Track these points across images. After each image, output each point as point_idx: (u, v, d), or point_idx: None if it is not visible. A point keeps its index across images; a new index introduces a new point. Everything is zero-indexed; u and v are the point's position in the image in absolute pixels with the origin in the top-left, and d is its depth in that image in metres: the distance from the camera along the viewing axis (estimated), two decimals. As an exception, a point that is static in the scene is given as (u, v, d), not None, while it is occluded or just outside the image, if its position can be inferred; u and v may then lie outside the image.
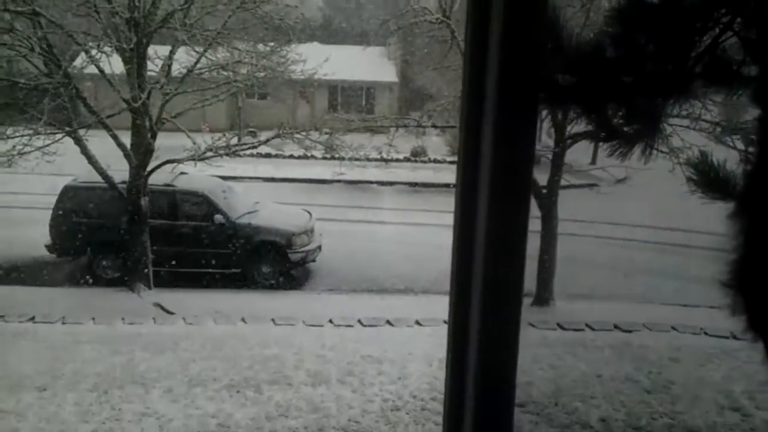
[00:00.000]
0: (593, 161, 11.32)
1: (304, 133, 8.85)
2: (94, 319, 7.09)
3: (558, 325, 7.04)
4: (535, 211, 8.69)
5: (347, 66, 14.18)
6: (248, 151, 10.11)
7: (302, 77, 9.66)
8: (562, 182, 8.65)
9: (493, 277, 1.44)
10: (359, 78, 17.15)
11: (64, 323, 6.97)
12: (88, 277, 8.72)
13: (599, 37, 2.36)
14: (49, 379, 5.53)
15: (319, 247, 9.30)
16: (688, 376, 5.80)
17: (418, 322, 7.04)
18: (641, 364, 6.14)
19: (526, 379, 5.63)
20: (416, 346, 6.28)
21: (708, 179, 2.46)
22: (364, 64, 15.83)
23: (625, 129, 2.56)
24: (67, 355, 6.06)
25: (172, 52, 8.21)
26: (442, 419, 1.59)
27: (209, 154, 8.62)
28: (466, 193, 1.47)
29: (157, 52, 8.39)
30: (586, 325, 6.88)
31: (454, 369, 1.57)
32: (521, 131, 1.38)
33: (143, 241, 8.43)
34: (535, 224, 8.72)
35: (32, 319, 6.97)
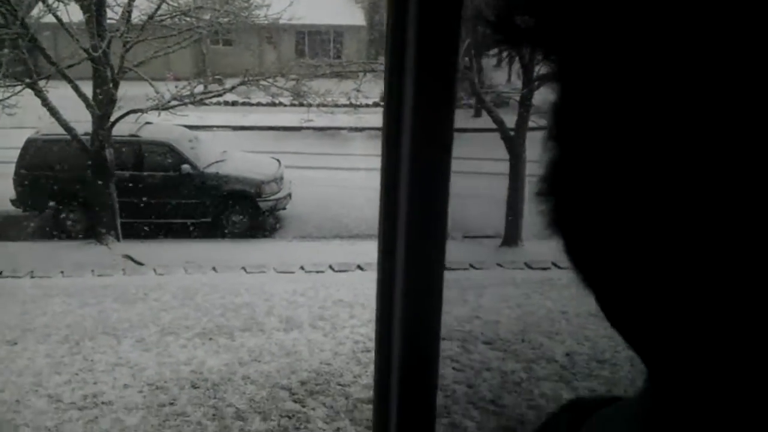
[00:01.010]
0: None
1: (270, 80, 8.73)
2: (62, 272, 7.06)
3: (525, 264, 7.16)
4: (504, 153, 8.73)
5: (314, 10, 13.92)
6: (214, 100, 9.99)
7: (266, 22, 9.48)
8: (531, 124, 8.68)
9: (417, 218, 1.47)
10: (326, 22, 16.85)
11: (32, 277, 6.93)
12: (55, 230, 8.63)
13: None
14: (19, 333, 5.53)
15: (289, 195, 9.28)
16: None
17: (388, 266, 7.10)
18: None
19: (494, 317, 5.75)
20: (387, 290, 6.35)
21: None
22: (332, 8, 15.55)
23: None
24: (37, 308, 6.04)
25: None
26: (374, 365, 1.63)
27: (174, 102, 8.50)
28: (390, 136, 1.49)
29: (116, -1, 8.18)
30: (553, 263, 6.99)
31: (382, 313, 1.61)
32: (441, 74, 1.38)
33: (110, 193, 8.34)
34: (503, 167, 8.78)
35: (0, 273, 6.91)
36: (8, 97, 7.56)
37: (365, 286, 6.58)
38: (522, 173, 8.51)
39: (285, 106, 13.03)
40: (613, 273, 0.36)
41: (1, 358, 5.07)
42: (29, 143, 8.74)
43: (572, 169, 0.35)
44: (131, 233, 8.50)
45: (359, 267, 7.09)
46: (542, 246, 8.30)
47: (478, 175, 10.83)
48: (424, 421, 1.58)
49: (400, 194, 1.51)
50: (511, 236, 8.61)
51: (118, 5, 8.18)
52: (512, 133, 8.52)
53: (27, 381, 4.80)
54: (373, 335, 5.45)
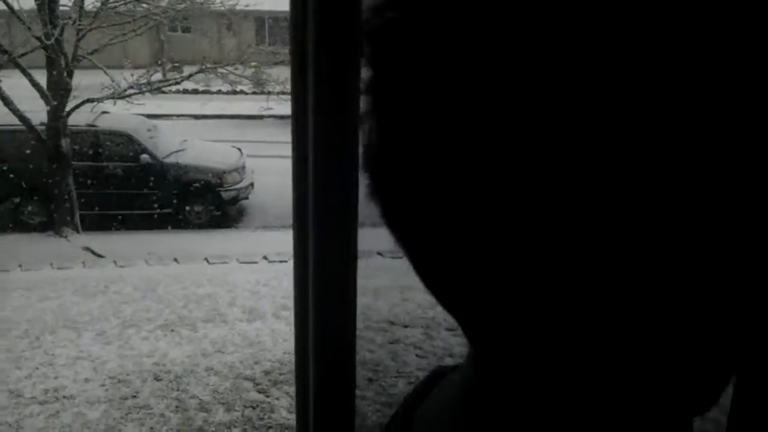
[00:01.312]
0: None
1: (229, 68, 8.65)
2: (21, 265, 6.93)
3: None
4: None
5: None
6: (173, 88, 9.85)
7: (223, 8, 9.38)
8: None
9: (326, 208, 1.51)
10: (287, 9, 16.73)
11: (-10, 271, 6.81)
12: (12, 223, 8.47)
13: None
14: (-23, 329, 5.44)
15: (251, 184, 9.23)
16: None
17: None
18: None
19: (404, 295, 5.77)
20: (350, 278, 6.37)
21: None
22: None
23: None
24: (-5, 303, 5.95)
25: (85, -15, 7.86)
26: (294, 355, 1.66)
27: (131, 91, 8.38)
28: (298, 125, 1.53)
29: (69, -15, 8.02)
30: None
31: (300, 305, 1.65)
32: (342, 65, 1.42)
33: (68, 184, 8.20)
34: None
35: (-45, 268, 6.78)
36: (-42, 88, 7.38)
37: (328, 275, 6.60)
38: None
39: (246, 94, 12.93)
40: (429, 244, 0.38)
41: (-41, 355, 4.99)
42: (-18, 134, 8.55)
43: (387, 144, 0.37)
44: (91, 225, 8.38)
45: (322, 255, 7.08)
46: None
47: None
48: (343, 400, 1.62)
49: (309, 184, 1.55)
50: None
51: (72, -8, 8.03)
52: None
53: (-14, 377, 4.73)
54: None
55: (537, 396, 0.39)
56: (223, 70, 8.65)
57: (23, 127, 8.07)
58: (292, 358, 5.14)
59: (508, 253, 0.34)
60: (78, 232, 8.16)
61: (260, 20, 17.61)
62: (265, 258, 6.99)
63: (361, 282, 5.36)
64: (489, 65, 0.32)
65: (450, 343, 5.19)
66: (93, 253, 7.51)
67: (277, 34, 17.93)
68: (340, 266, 1.59)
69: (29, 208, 8.59)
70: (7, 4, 7.60)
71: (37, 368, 4.87)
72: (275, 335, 5.23)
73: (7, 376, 4.73)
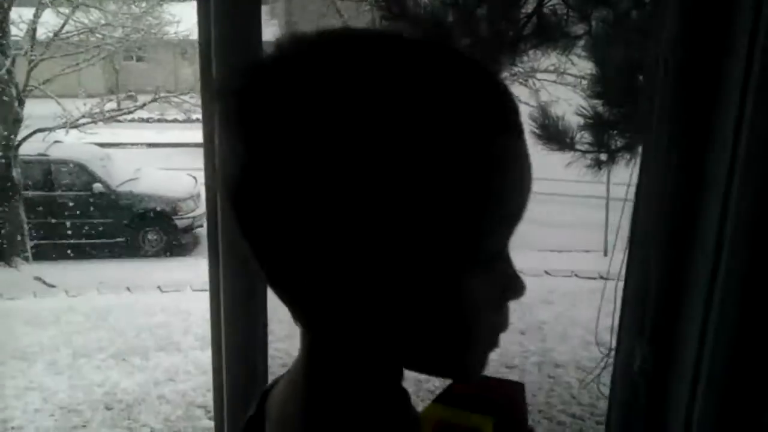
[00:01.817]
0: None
1: (183, 96, 8.70)
2: (-31, 296, 6.84)
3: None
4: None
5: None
6: (128, 117, 9.86)
7: (177, 38, 9.44)
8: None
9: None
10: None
11: (-64, 303, 6.69)
12: (-40, 254, 8.33)
13: (438, 3, 2.54)
14: (-77, 361, 5.35)
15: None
16: (559, 316, 6.24)
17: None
18: (516, 307, 6.51)
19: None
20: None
21: (548, 132, 2.71)
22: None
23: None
24: (-59, 333, 5.85)
25: (36, 16, 7.85)
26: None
27: (84, 120, 8.36)
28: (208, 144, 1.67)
29: (21, 15, 8.01)
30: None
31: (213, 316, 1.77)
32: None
33: (18, 214, 8.14)
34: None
35: None
36: None
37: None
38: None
39: (201, 121, 12.92)
40: (281, 251, 0.54)
41: None
42: (-70, 165, 8.43)
43: (251, 174, 0.53)
44: (42, 254, 8.29)
45: (277, 282, 7.12)
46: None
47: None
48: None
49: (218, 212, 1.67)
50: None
51: (24, 21, 8.02)
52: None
53: (-69, 410, 4.65)
54: (290, 351, 5.54)
55: (349, 361, 0.59)
56: (177, 99, 8.70)
57: (-28, 158, 8.01)
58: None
59: (336, 258, 0.52)
60: (29, 262, 8.08)
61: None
62: (219, 286, 6.99)
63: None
64: (318, 132, 0.49)
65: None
66: (44, 282, 7.44)
67: (233, 62, 17.98)
68: (248, 294, 1.71)
69: (-22, 238, 8.47)
70: (-44, 35, 7.58)
71: (-15, 400, 4.81)
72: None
73: (-47, 408, 4.67)
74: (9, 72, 7.60)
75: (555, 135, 2.57)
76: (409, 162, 0.49)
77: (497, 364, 5.23)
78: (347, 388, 0.60)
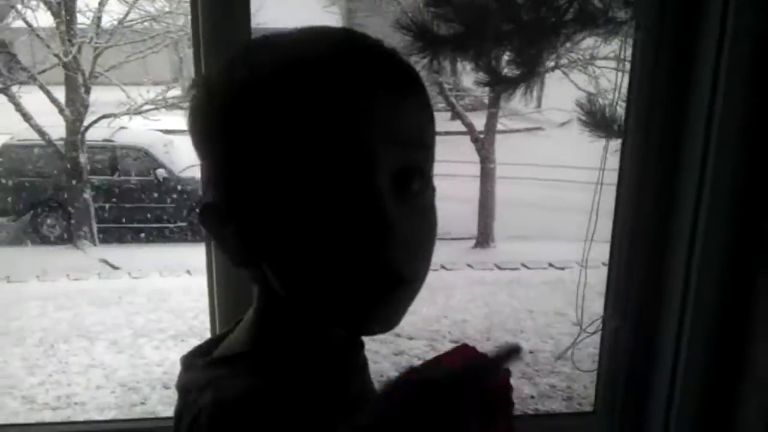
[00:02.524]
0: (539, 105, 11.55)
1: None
2: (38, 276, 7.12)
3: (495, 265, 7.31)
4: (474, 156, 8.88)
5: (286, 14, 14.03)
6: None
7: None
8: (501, 127, 8.85)
9: None
10: (300, 24, 16.94)
11: (8, 282, 6.98)
12: (32, 235, 8.67)
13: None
14: (-6, 337, 5.60)
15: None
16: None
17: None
18: (572, 299, 6.44)
19: (462, 317, 5.89)
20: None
21: (594, 119, 2.66)
22: (305, 13, 15.61)
23: (507, 74, 2.73)
24: (13, 312, 6.10)
25: (101, 4, 8.06)
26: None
27: (147, 107, 8.56)
28: None
29: (88, 4, 8.22)
30: (522, 264, 7.16)
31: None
32: None
33: (85, 198, 8.39)
34: (474, 169, 8.93)
35: (-25, 279, 6.97)
36: (-21, 104, 7.60)
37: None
38: (492, 175, 8.68)
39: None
40: (261, 224, 0.70)
41: (-25, 362, 5.14)
42: (4, 149, 8.77)
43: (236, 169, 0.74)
44: (107, 237, 8.55)
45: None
46: (513, 247, 8.48)
47: (453, 177, 10.99)
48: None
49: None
50: (483, 237, 8.77)
51: (90, 10, 8.23)
52: (481, 136, 8.68)
53: (2, 384, 4.87)
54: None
55: (285, 309, 0.76)
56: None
57: (43, 142, 8.29)
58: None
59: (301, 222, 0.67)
60: (95, 244, 8.34)
61: (277, 37, 17.82)
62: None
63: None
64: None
65: (453, 355, 5.25)
66: (109, 264, 7.68)
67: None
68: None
69: (48, 220, 8.78)
70: (27, 23, 7.83)
71: (51, 375, 5.01)
72: (282, 345, 5.34)
73: (21, 382, 4.88)
74: (75, 59, 7.82)
75: (602, 122, 2.52)
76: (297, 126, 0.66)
77: (549, 355, 5.18)
78: (286, 331, 0.78)
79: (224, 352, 0.81)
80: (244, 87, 0.68)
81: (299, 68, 0.67)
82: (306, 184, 0.66)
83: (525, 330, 5.58)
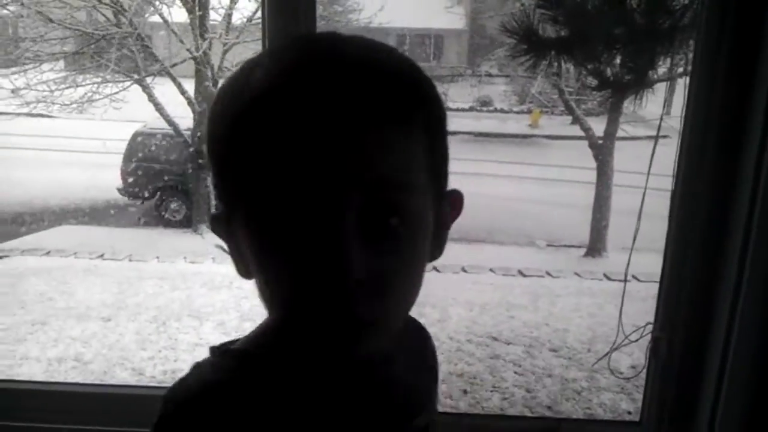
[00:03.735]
0: (667, 112, 11.06)
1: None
2: (158, 257, 7.53)
3: (604, 275, 7.07)
4: (591, 162, 8.62)
5: (408, 14, 14.15)
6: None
7: (359, 25, 9.74)
8: (622, 133, 8.54)
9: None
10: (426, 25, 17.02)
11: (130, 261, 7.43)
12: (156, 218, 9.19)
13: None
14: (113, 311, 5.97)
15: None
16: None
17: (463, 269, 7.19)
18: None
19: (564, 326, 5.74)
20: (460, 292, 6.45)
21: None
22: (433, 10, 15.69)
23: (615, 79, 2.63)
24: (131, 289, 6.49)
25: (233, 2, 8.43)
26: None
27: (268, 101, 8.87)
28: None
29: (221, 1, 8.62)
30: (633, 276, 6.86)
31: None
32: None
33: (207, 185, 8.80)
34: (591, 175, 8.67)
35: (101, 256, 7.46)
36: (116, 93, 8.12)
37: (438, 287, 6.71)
38: (609, 182, 8.39)
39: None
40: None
41: (94, 333, 5.50)
42: (136, 136, 9.34)
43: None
44: (224, 225, 8.92)
45: (435, 268, 7.20)
46: (626, 257, 8.15)
47: (568, 183, 10.73)
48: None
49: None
50: (595, 246, 8.49)
51: (222, 6, 8.63)
52: (600, 141, 8.41)
53: (115, 355, 5.20)
54: (438, 335, 5.53)
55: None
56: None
57: (171, 131, 8.77)
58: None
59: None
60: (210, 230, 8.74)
61: (401, 36, 18.02)
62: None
63: (469, 296, 5.49)
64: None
65: (551, 363, 5.14)
66: (223, 250, 7.97)
67: (417, 50, 18.26)
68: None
69: (171, 205, 9.29)
70: (163, 18, 8.30)
71: (160, 351, 5.29)
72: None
73: (133, 355, 5.18)
74: (205, 54, 8.23)
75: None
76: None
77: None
78: (273, 339, 0.85)
79: (227, 346, 0.86)
80: (213, 117, 0.72)
81: (256, 104, 0.64)
82: (266, 216, 0.67)
83: (629, 345, 5.35)
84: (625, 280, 2.33)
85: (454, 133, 13.60)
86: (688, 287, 1.87)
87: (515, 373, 4.92)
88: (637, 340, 2.16)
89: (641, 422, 2.04)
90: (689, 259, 1.85)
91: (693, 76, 1.75)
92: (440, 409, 1.06)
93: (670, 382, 1.91)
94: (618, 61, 2.47)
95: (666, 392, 1.93)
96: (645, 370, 2.05)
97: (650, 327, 2.03)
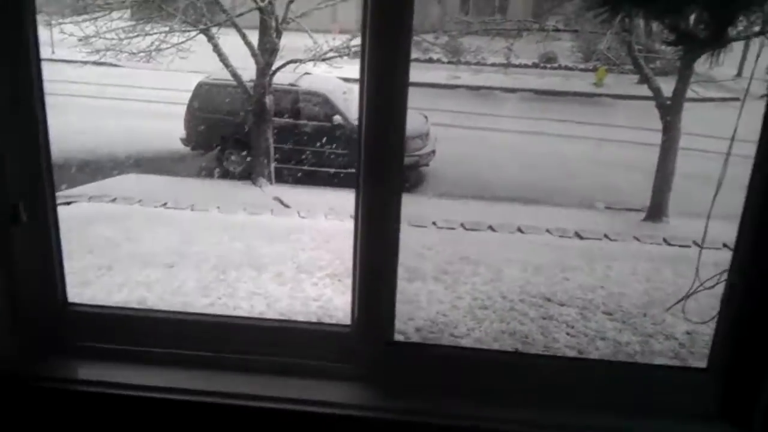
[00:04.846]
0: (739, 74, 10.63)
1: (423, 35, 8.88)
2: (219, 207, 7.70)
3: (664, 240, 6.94)
4: (657, 123, 8.38)
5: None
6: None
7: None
8: (692, 95, 8.27)
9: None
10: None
11: (192, 210, 7.63)
12: (217, 169, 9.37)
13: None
14: (176, 258, 6.16)
15: (433, 152, 9.45)
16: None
17: (519, 229, 7.15)
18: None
19: (619, 290, 5.69)
20: (514, 252, 6.43)
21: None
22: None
23: (697, 35, 2.54)
24: (193, 238, 6.67)
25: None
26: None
27: (331, 54, 8.87)
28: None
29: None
30: (693, 242, 6.73)
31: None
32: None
33: (267, 138, 8.92)
34: (655, 137, 8.44)
35: (165, 205, 7.67)
36: (183, 42, 8.23)
37: (493, 246, 6.69)
38: (675, 145, 8.17)
39: (443, 63, 13.13)
40: None
41: (158, 279, 5.70)
42: (200, 87, 9.49)
43: None
44: (283, 177, 9.06)
45: (491, 227, 7.18)
46: (686, 223, 7.98)
47: (633, 144, 10.47)
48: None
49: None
50: (656, 210, 8.32)
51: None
52: (668, 102, 8.17)
53: (177, 300, 5.38)
54: (491, 293, 5.53)
55: None
56: (417, 38, 8.89)
57: (234, 83, 8.88)
58: (444, 319, 5.28)
59: None
60: (271, 183, 8.87)
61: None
62: (434, 223, 7.21)
63: (524, 256, 5.47)
64: None
65: (605, 327, 5.11)
66: (281, 203, 8.15)
67: (480, 1, 17.88)
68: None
69: (232, 157, 9.44)
70: (228, -31, 8.33)
71: (220, 298, 5.45)
72: (431, 296, 5.44)
73: (194, 301, 5.36)
74: (270, 4, 8.25)
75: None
76: None
77: (708, 338, 4.89)
78: None
79: None
80: None
81: None
82: None
83: (687, 310, 5.28)
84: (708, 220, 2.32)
85: (515, 90, 13.40)
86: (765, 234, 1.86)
87: (567, 334, 4.92)
88: (712, 287, 2.15)
89: (708, 369, 2.04)
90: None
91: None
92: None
93: (742, 330, 1.92)
94: (695, 16, 2.39)
95: (736, 340, 1.94)
96: (717, 317, 2.04)
97: (725, 275, 2.01)
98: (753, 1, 2.47)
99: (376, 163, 1.94)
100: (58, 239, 2.16)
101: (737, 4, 2.42)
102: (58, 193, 2.13)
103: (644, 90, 8.99)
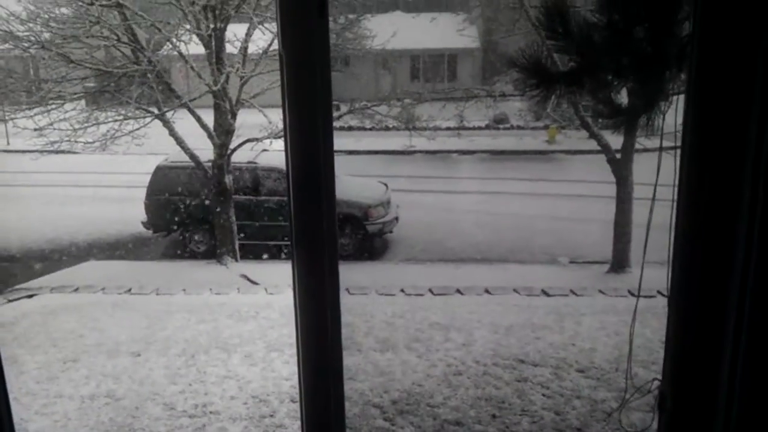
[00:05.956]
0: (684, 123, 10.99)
1: (375, 108, 9.09)
2: (184, 290, 7.62)
3: (629, 291, 7.05)
4: (610, 176, 8.61)
5: (428, 34, 14.28)
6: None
7: (373, 50, 9.87)
8: (637, 146, 8.53)
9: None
10: (440, 45, 17.17)
11: (157, 294, 7.53)
12: (180, 250, 9.31)
13: (599, 22, 2.47)
14: (143, 345, 6.04)
15: (396, 219, 9.55)
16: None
17: (487, 291, 7.21)
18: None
19: (590, 345, 5.73)
20: (484, 314, 6.46)
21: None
22: (446, 31, 15.82)
23: (626, 107, 2.67)
24: (160, 323, 6.57)
25: (247, 35, 8.58)
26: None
27: (287, 131, 8.99)
28: None
29: (236, 33, 8.77)
30: (658, 292, 6.83)
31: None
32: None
33: (229, 216, 8.92)
34: (611, 189, 8.66)
35: (129, 290, 7.56)
36: (137, 129, 8.28)
37: (463, 310, 6.72)
38: (629, 197, 8.38)
39: (398, 130, 13.38)
40: None
41: (126, 368, 5.58)
42: (158, 170, 9.51)
43: None
44: (247, 254, 9.04)
45: (458, 291, 7.23)
46: (650, 273, 8.11)
47: (589, 198, 10.71)
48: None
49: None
50: (619, 262, 8.48)
51: (238, 39, 8.77)
52: (618, 155, 8.41)
53: (146, 390, 5.25)
54: (464, 359, 5.55)
55: None
56: (370, 111, 9.10)
57: (192, 164, 8.91)
58: (420, 389, 5.24)
59: None
60: (236, 260, 8.83)
61: (415, 57, 18.16)
62: (402, 290, 7.23)
63: (493, 318, 5.50)
64: None
65: (579, 385, 5.12)
66: (249, 280, 8.10)
67: (430, 70, 18.39)
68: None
69: (195, 237, 9.42)
70: (181, 54, 8.46)
71: (190, 384, 5.34)
72: (405, 366, 5.41)
73: (163, 390, 5.24)
74: (223, 88, 8.38)
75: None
76: None
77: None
78: None
79: None
80: None
81: None
82: None
83: (657, 362, 5.33)
84: (638, 296, 2.33)
85: (473, 152, 13.65)
86: (693, 343, 1.87)
87: (543, 395, 4.91)
88: (644, 395, 2.15)
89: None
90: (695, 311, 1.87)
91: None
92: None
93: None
94: (629, 88, 2.51)
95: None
96: (655, 423, 2.05)
97: (657, 382, 2.03)
98: (681, 70, 2.62)
99: (307, 230, 1.95)
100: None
101: (664, 76, 2.56)
102: (20, 286, 2.04)
103: (595, 144, 9.26)
